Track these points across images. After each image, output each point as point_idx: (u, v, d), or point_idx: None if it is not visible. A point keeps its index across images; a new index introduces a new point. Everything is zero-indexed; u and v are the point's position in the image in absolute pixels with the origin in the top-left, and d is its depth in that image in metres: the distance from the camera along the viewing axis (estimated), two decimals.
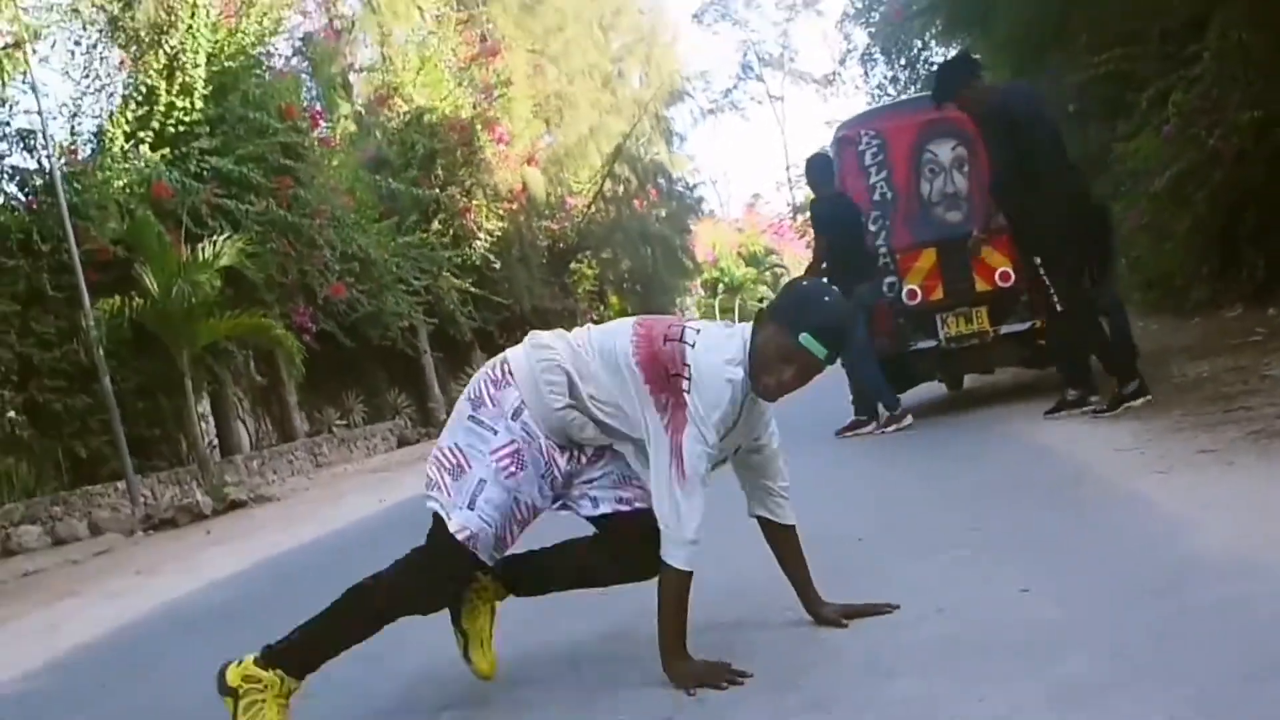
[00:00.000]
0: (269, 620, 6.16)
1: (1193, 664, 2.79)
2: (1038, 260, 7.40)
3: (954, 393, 10.97)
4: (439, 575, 3.54)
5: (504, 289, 27.21)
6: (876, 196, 9.26)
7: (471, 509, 3.41)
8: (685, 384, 3.30)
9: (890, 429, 8.95)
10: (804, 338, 3.29)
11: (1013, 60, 13.89)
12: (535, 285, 29.04)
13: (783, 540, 3.76)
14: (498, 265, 26.94)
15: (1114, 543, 4.14)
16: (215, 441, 18.83)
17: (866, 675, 3.18)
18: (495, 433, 3.46)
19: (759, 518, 3.77)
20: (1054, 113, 7.86)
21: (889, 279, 9.18)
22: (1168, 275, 13.30)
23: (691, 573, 3.37)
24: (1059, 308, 7.31)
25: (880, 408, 9.07)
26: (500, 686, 3.73)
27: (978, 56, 9.33)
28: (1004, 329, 8.85)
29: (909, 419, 9.04)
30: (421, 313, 23.83)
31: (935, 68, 8.41)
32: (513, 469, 3.43)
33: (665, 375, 3.33)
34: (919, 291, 9.05)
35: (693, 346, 3.35)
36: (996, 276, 8.77)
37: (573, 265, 33.02)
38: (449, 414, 14.91)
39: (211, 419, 19.13)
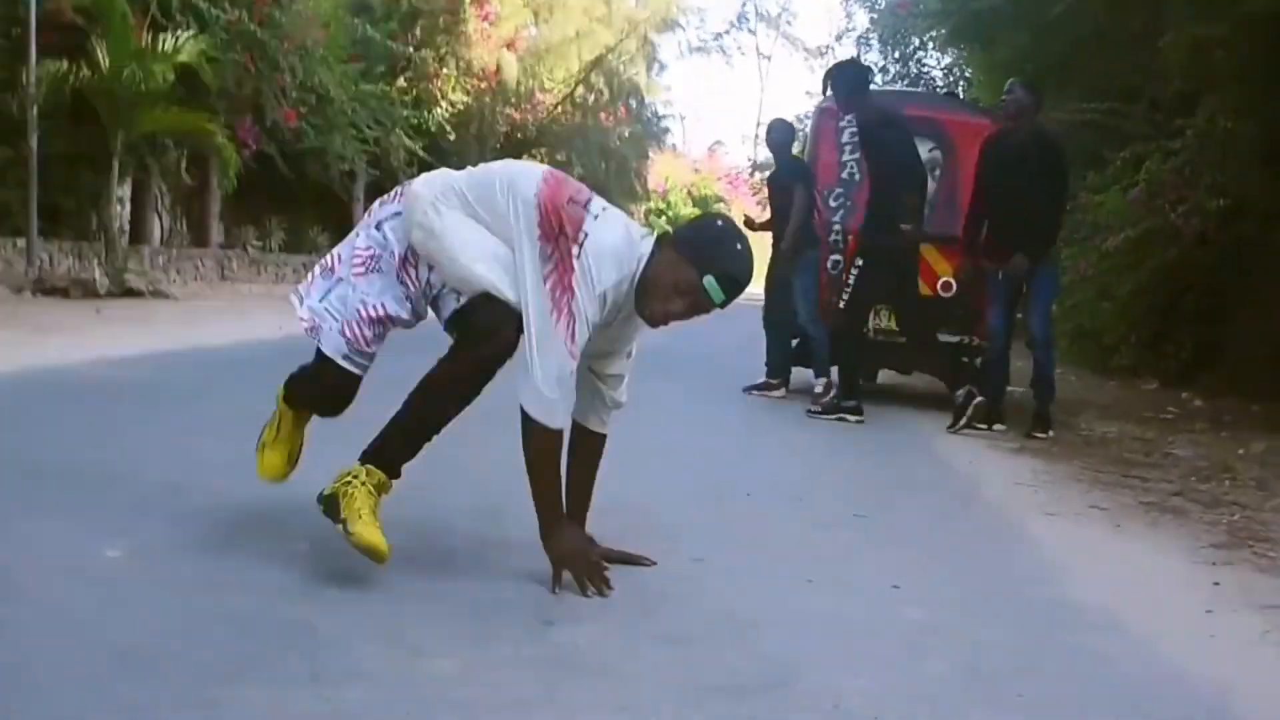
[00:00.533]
0: (152, 403, 6.19)
1: (1049, 701, 2.82)
2: (860, 262, 7.93)
3: (868, 384, 10.96)
4: (318, 378, 3.51)
5: (453, 161, 26.70)
6: (844, 174, 9.20)
7: (321, 303, 3.38)
8: (576, 249, 3.16)
9: (775, 394, 9.16)
10: (708, 280, 3.19)
11: (1005, 81, 13.93)
12: None
13: (587, 445, 3.57)
14: (452, 137, 26.77)
15: (992, 567, 4.20)
16: (127, 228, 18.48)
17: (728, 621, 3.17)
18: (358, 236, 3.43)
19: (576, 424, 3.54)
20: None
21: (835, 257, 9.15)
22: (1098, 332, 13.53)
23: (561, 432, 3.27)
24: (841, 305, 8.03)
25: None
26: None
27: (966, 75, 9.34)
28: None
29: (782, 391, 9.21)
30: (365, 162, 23.58)
31: (833, 67, 8.52)
32: (362, 270, 3.36)
33: (558, 230, 3.18)
34: None
35: (594, 218, 3.23)
36: (939, 284, 8.87)
37: (525, 157, 32.76)
38: None
39: (129, 205, 18.79)
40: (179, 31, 15.93)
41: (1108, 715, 2.79)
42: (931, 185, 8.98)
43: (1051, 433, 7.69)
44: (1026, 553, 4.48)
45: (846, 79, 8.08)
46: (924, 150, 8.96)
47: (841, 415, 7.90)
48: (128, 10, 15.28)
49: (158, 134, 16.51)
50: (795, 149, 10.42)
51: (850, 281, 7.99)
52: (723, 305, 3.26)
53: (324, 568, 3.23)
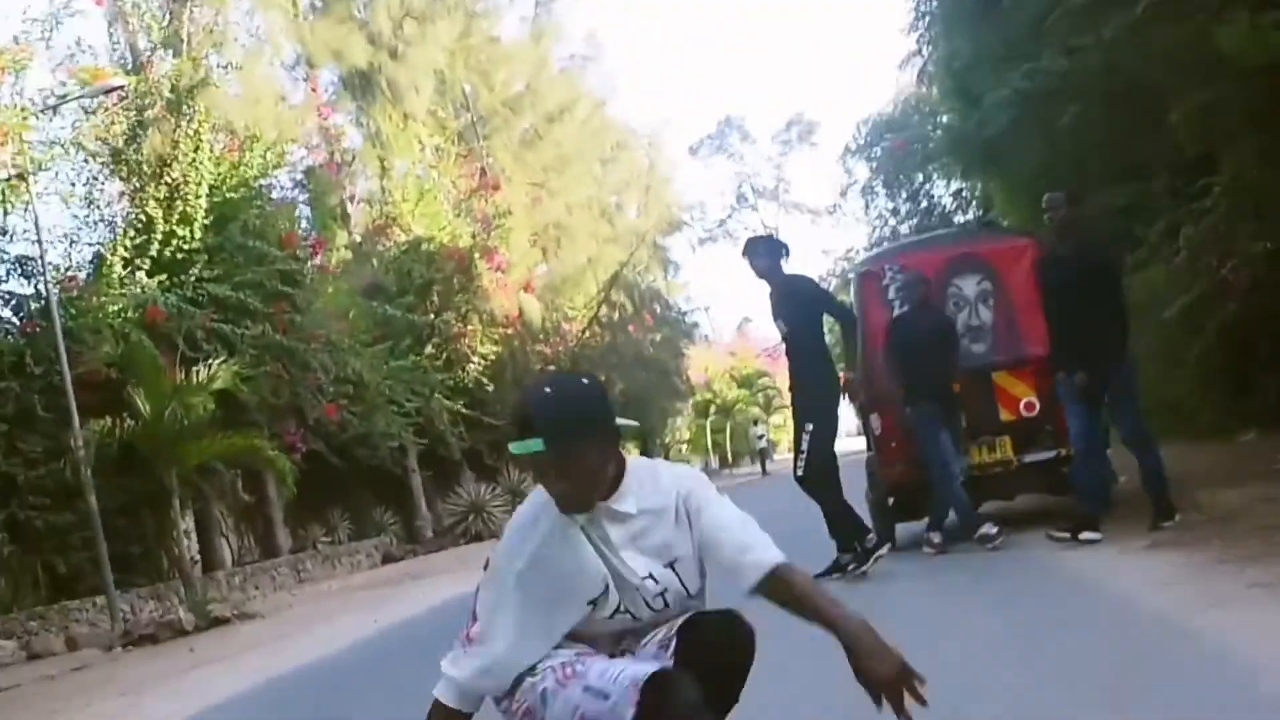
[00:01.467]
0: None
1: None
2: (809, 426, 7.97)
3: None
4: None
5: (496, 410, 27.38)
6: None
7: None
8: None
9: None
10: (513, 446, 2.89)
11: (1028, 198, 14.18)
12: None
13: (782, 588, 2.86)
14: (490, 387, 27.35)
15: (1190, 686, 3.89)
16: (197, 557, 18.61)
17: None
18: None
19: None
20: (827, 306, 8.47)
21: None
22: (1178, 400, 13.42)
23: None
24: (799, 472, 8.02)
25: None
26: None
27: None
28: (1028, 458, 8.79)
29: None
30: (412, 433, 24.01)
31: (749, 240, 8.69)
32: None
33: None
34: None
35: None
36: (1021, 406, 8.85)
37: None
38: (435, 532, 14.86)
39: (194, 535, 19.03)
40: (209, 360, 16.43)
41: None
42: (987, 315, 9.16)
43: (1178, 517, 7.40)
44: (1212, 657, 4.22)
45: (763, 252, 8.29)
46: (972, 283, 9.19)
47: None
48: (156, 353, 15.77)
49: (207, 461, 16.69)
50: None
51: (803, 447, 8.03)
52: (548, 449, 2.79)
53: None
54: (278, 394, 19.15)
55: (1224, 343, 12.02)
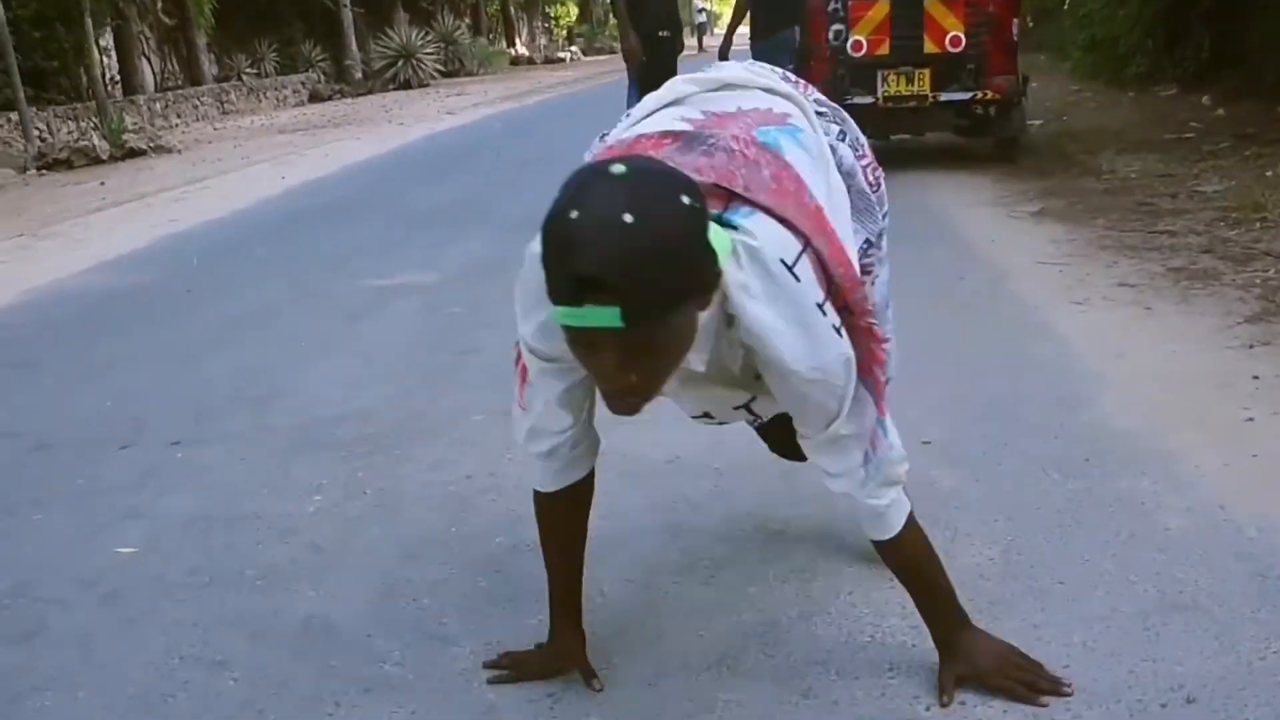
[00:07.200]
0: (155, 327, 5.95)
1: (1087, 585, 2.63)
2: None
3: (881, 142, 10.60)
4: None
5: None
6: None
7: None
8: None
9: None
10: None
11: None
12: None
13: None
14: None
15: (1023, 393, 3.95)
16: (117, 78, 18.26)
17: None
18: None
19: None
20: None
21: (836, 26, 8.80)
22: (1112, 40, 13.47)
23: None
24: None
25: None
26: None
27: None
28: (944, 95, 8.68)
29: None
30: None
31: None
32: None
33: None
34: (865, 44, 8.74)
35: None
36: (947, 40, 8.59)
37: None
38: (365, 74, 15.13)
39: (114, 54, 18.55)
40: None
41: (1156, 598, 2.56)
42: None
43: None
44: (1056, 366, 4.27)
45: None
46: None
47: None
48: None
49: None
50: None
51: None
52: (579, 325, 1.58)
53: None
54: None
55: None
